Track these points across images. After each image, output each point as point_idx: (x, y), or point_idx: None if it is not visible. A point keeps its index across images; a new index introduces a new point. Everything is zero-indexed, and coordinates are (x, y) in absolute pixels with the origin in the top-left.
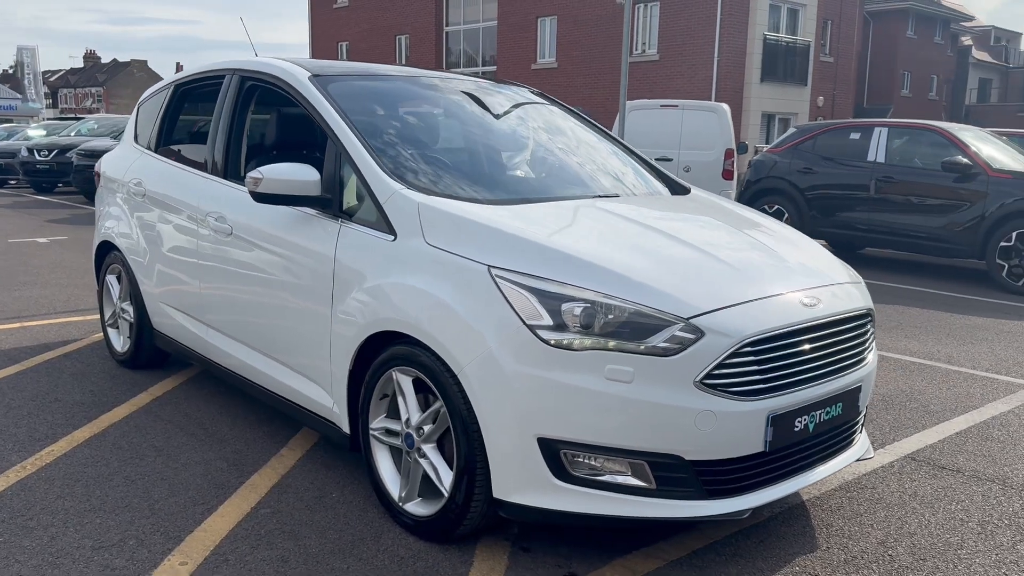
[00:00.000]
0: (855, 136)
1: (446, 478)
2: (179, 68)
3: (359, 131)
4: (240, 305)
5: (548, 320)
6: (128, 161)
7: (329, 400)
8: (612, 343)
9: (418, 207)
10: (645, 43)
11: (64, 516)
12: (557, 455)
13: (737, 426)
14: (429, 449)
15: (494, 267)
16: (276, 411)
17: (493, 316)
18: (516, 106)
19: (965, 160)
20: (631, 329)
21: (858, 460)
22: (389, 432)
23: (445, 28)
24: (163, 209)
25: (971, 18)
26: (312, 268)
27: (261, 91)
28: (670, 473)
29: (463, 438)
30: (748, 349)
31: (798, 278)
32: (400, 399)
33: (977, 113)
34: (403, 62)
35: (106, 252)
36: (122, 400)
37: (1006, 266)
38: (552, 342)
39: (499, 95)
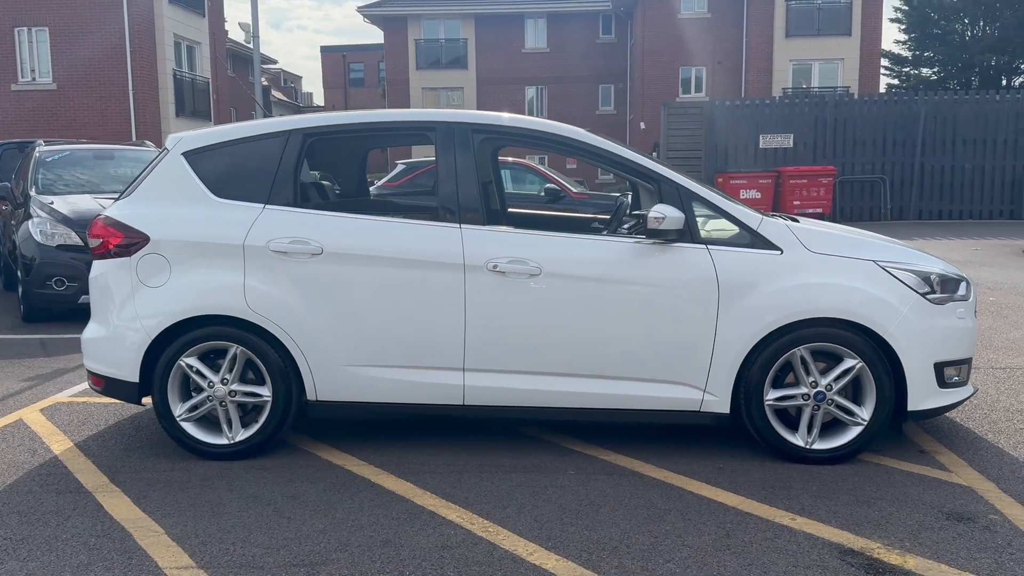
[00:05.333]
0: None
1: (860, 412)
2: None
3: (685, 176)
4: (559, 338)
5: (928, 288)
6: (240, 223)
7: (698, 394)
8: (947, 295)
9: (788, 227)
10: (35, 69)
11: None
12: (942, 371)
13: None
14: (839, 398)
15: (879, 261)
16: (504, 435)
17: (895, 292)
18: None
19: (556, 187)
20: (952, 287)
21: None
22: (785, 398)
23: None
24: (374, 265)
25: (275, 61)
26: (687, 286)
27: (496, 144)
28: (968, 368)
29: (885, 379)
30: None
31: None
32: (801, 369)
33: None
34: None
35: (180, 333)
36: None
37: None
38: (932, 300)
39: None
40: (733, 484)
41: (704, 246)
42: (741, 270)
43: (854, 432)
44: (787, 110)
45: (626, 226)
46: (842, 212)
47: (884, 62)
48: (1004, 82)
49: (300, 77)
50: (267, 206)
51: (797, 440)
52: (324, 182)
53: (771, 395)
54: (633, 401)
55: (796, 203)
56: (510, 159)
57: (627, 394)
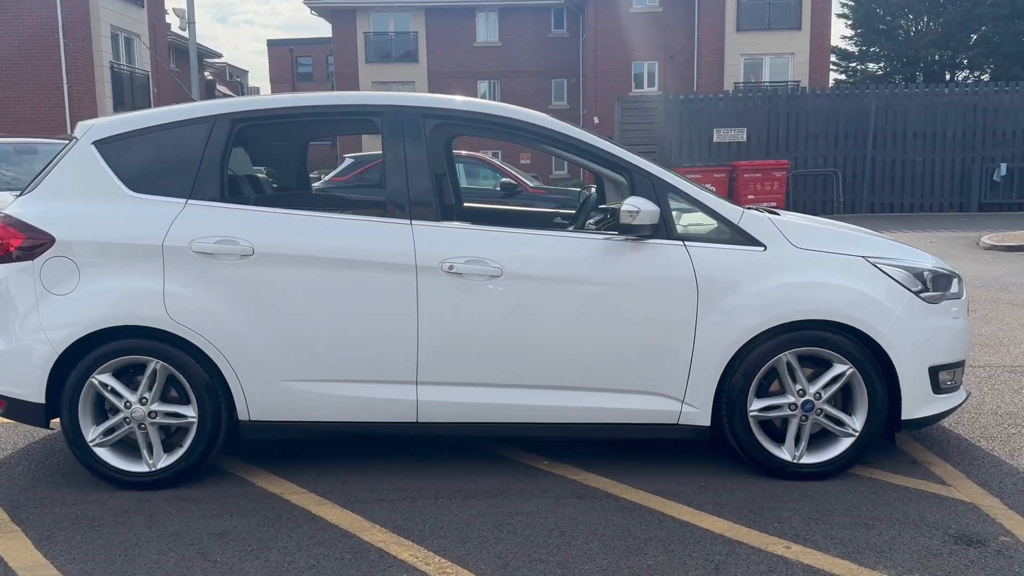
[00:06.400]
0: None
1: (852, 422)
2: None
3: (657, 165)
4: (522, 346)
5: (921, 286)
6: (159, 221)
7: (675, 405)
8: (940, 293)
9: (771, 221)
10: None
11: None
12: (936, 376)
13: None
14: (828, 407)
15: (869, 257)
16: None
17: (887, 290)
18: None
19: (512, 182)
20: (945, 283)
21: None
22: (770, 408)
23: None
24: (313, 267)
25: (220, 55)
26: (663, 287)
27: (450, 131)
28: (961, 372)
29: (878, 384)
30: None
31: None
32: (787, 376)
33: None
34: None
35: (91, 347)
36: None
37: None
38: (926, 299)
39: None
40: (717, 506)
41: (681, 242)
42: (721, 268)
43: (845, 444)
44: (740, 104)
45: (592, 221)
46: (795, 206)
47: (832, 57)
48: (948, 76)
49: (247, 72)
50: (190, 201)
51: (784, 454)
52: (257, 175)
53: (755, 405)
54: (605, 414)
55: (750, 197)
56: (463, 152)
57: (598, 407)
